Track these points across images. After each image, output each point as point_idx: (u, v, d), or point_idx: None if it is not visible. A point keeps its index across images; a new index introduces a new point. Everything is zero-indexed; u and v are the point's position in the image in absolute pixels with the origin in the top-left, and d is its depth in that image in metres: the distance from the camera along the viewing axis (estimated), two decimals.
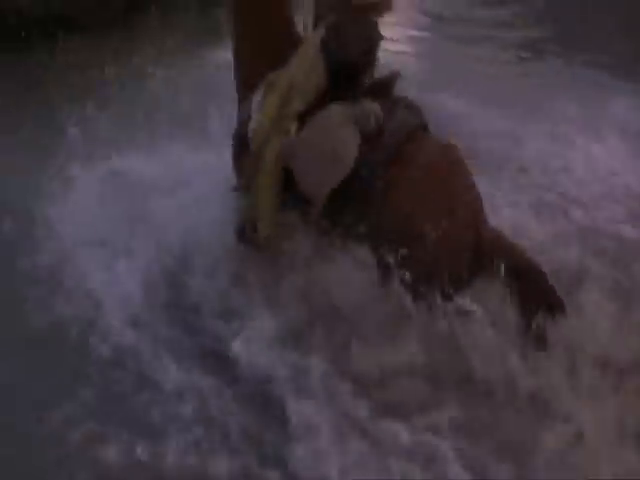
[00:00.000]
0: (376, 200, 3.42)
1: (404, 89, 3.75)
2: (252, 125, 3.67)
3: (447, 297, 3.27)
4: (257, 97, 3.71)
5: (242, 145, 3.65)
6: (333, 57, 3.54)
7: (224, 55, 4.48)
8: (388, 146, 3.48)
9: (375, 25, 3.71)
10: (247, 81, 3.84)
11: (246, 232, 3.65)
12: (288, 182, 3.54)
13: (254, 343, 3.32)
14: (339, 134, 3.47)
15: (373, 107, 3.50)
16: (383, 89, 3.66)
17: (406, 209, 3.41)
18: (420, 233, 3.32)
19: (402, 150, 3.47)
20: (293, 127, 3.56)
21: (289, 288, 3.48)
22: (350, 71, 3.57)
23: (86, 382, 3.24)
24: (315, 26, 3.74)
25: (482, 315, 3.17)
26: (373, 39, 3.67)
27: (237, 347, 3.29)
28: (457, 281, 3.38)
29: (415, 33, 8.91)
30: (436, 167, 3.47)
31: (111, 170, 4.54)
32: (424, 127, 3.64)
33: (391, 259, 3.29)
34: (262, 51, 3.82)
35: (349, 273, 3.37)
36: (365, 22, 3.71)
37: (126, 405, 3.16)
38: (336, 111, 3.52)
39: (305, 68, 3.59)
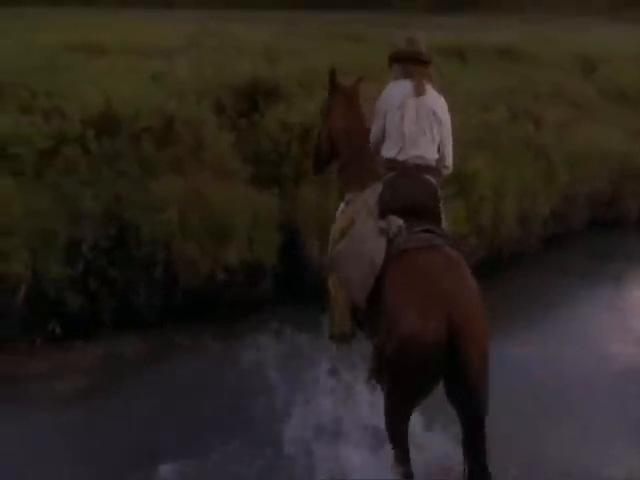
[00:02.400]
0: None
1: None
2: (332, 233, 5.25)
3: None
4: (341, 206, 5.33)
5: None
6: (385, 206, 4.73)
7: None
8: (398, 247, 4.45)
9: (429, 183, 4.81)
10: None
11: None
12: None
13: None
14: (370, 239, 4.63)
15: (398, 222, 4.56)
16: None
17: (391, 302, 4.27)
18: (396, 326, 4.12)
19: (406, 253, 4.38)
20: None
21: None
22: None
23: None
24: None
25: None
26: (425, 195, 4.79)
27: None
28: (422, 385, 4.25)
29: None
30: (431, 269, 4.28)
31: None
32: (440, 246, 4.45)
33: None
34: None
35: None
36: (418, 180, 4.80)
37: None
38: (367, 223, 4.78)
39: (365, 211, 4.87)
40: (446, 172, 5.10)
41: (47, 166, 7.67)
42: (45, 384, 6.41)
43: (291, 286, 7.86)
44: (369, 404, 5.14)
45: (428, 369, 4.14)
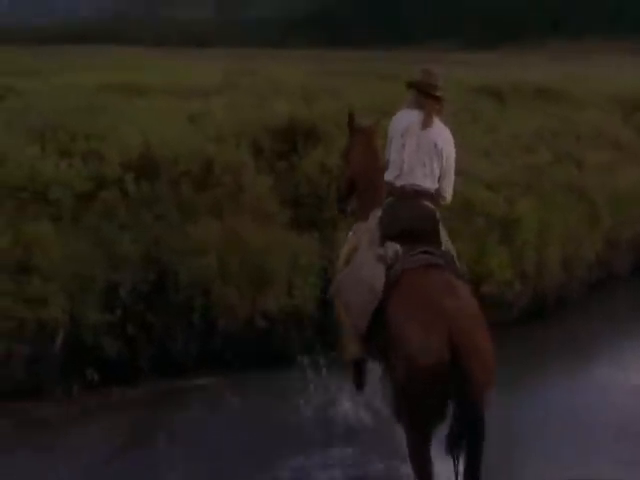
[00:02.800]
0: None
1: None
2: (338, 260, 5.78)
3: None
4: (349, 235, 5.79)
5: None
6: (384, 231, 5.07)
7: None
8: (395, 272, 4.76)
9: (426, 207, 5.11)
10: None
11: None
12: None
13: None
14: (369, 267, 4.95)
15: (395, 247, 4.89)
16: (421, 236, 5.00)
17: (394, 325, 4.51)
18: (401, 349, 4.37)
19: (404, 276, 4.69)
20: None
21: None
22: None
23: None
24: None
25: None
26: (422, 218, 5.08)
27: None
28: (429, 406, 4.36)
29: None
30: (429, 289, 4.56)
31: None
32: (438, 266, 4.77)
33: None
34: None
35: None
36: (416, 204, 5.11)
37: None
38: (367, 251, 5.14)
39: (367, 237, 5.28)
40: (443, 203, 5.38)
41: (86, 210, 7.64)
42: (82, 431, 6.36)
43: (331, 332, 7.74)
44: None
45: (435, 387, 4.27)
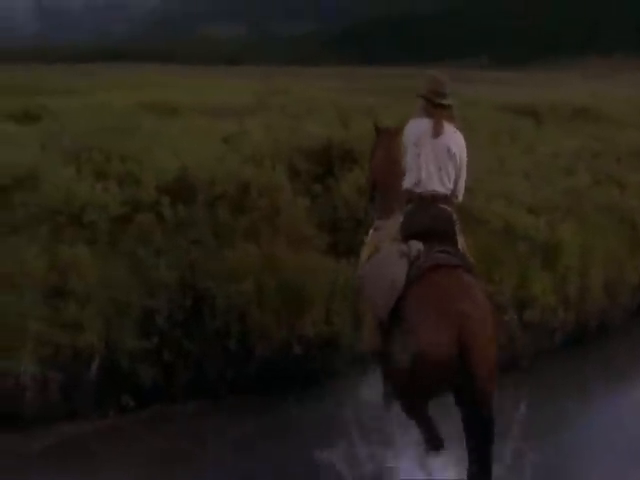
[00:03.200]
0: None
1: None
2: (361, 257, 6.02)
3: None
4: (370, 232, 6.11)
5: None
6: (406, 232, 5.41)
7: None
8: (417, 269, 5.07)
9: (444, 210, 5.46)
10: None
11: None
12: None
13: None
14: (393, 263, 5.21)
15: (418, 245, 5.22)
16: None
17: (410, 318, 4.88)
18: (413, 341, 4.72)
19: (425, 274, 5.00)
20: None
21: None
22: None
23: None
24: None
25: None
26: (440, 220, 5.43)
27: None
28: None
29: None
30: (445, 289, 4.90)
31: None
32: (457, 266, 5.13)
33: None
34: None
35: None
36: (434, 208, 5.45)
37: None
38: (391, 248, 5.42)
39: (389, 235, 5.62)
40: (456, 201, 5.73)
41: (121, 233, 7.57)
42: (118, 457, 6.28)
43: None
44: None
45: (440, 380, 4.79)
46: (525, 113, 16.13)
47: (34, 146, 10.42)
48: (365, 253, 5.94)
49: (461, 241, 5.57)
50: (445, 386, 4.88)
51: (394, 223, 5.69)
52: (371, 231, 6.14)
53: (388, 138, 6.38)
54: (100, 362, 6.74)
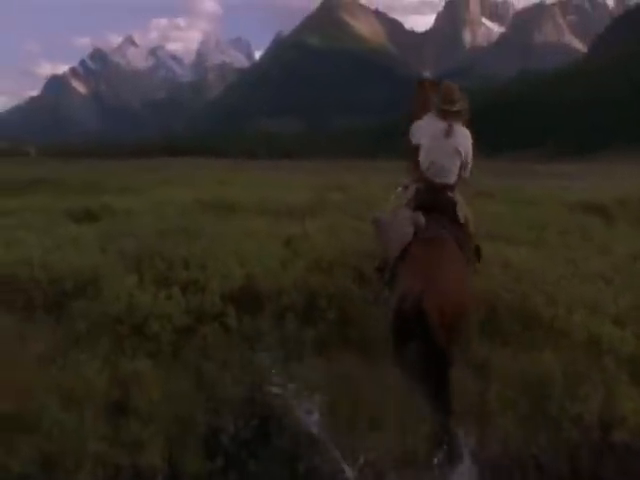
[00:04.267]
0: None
1: None
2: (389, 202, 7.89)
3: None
4: (399, 189, 7.80)
5: None
6: (417, 205, 7.19)
7: None
8: (418, 237, 6.85)
9: (447, 196, 7.32)
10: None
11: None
12: None
13: None
14: (405, 225, 6.98)
15: (421, 219, 6.95)
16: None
17: (400, 271, 6.70)
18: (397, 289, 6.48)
19: (420, 241, 6.76)
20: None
21: None
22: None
23: None
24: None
25: None
26: (443, 202, 7.26)
27: None
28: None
29: None
30: (431, 256, 6.52)
31: None
32: (447, 239, 6.81)
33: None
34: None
35: None
36: (440, 194, 7.33)
37: None
38: (405, 212, 7.19)
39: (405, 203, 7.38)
40: (465, 176, 7.55)
41: (185, 345, 7.26)
42: None
43: None
44: None
45: (413, 317, 6.06)
46: (594, 209, 15.71)
47: (95, 249, 10.31)
48: (391, 205, 7.74)
49: (463, 214, 7.30)
50: (415, 326, 6.11)
51: (410, 193, 7.50)
52: (399, 189, 7.82)
53: (424, 92, 7.91)
54: None
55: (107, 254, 9.96)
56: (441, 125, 7.13)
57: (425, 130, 7.28)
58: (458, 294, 6.34)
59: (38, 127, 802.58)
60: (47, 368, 6.81)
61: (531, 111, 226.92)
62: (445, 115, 7.11)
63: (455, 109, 7.11)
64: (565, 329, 7.68)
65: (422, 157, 7.29)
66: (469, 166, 7.47)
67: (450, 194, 7.31)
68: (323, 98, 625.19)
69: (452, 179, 7.33)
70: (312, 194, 23.33)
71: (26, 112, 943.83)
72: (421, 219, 6.93)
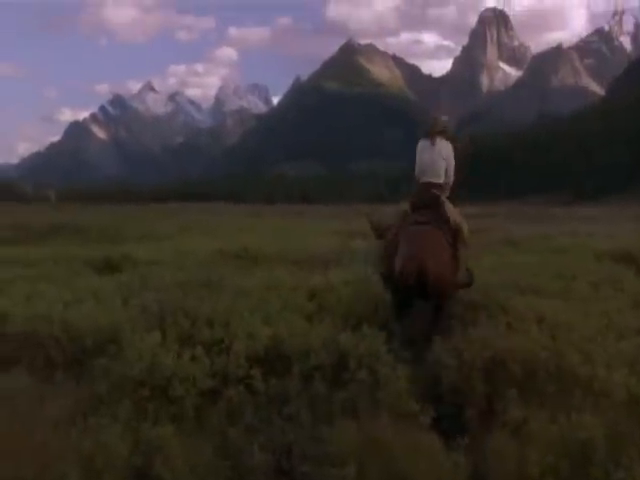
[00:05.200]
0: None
1: None
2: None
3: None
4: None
5: None
6: (411, 201, 9.70)
7: None
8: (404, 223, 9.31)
9: (433, 193, 9.59)
10: None
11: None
12: None
13: None
14: (393, 215, 9.96)
15: (405, 208, 9.68)
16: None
17: (399, 249, 8.85)
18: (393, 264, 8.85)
19: (407, 227, 9.07)
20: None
21: None
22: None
23: None
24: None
25: None
26: (430, 198, 9.51)
27: None
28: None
29: None
30: (414, 236, 8.87)
31: None
32: (427, 223, 9.11)
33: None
34: None
35: None
36: (428, 192, 9.63)
37: None
38: (392, 209, 10.37)
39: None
40: (448, 182, 9.85)
41: (209, 409, 6.98)
42: None
43: None
44: None
45: (408, 286, 8.55)
46: (622, 258, 15.39)
47: (116, 302, 10.09)
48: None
49: (448, 208, 9.40)
50: (413, 286, 8.57)
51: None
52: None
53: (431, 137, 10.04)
54: None
55: (128, 308, 9.75)
56: (429, 141, 9.82)
57: (420, 147, 9.90)
58: (437, 263, 8.67)
59: (59, 172, 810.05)
60: (66, 432, 6.52)
61: (549, 154, 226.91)
62: (432, 135, 9.83)
63: (438, 129, 9.90)
64: (605, 389, 7.34)
65: (416, 164, 9.86)
66: (450, 171, 9.81)
67: (435, 191, 9.60)
68: (341, 142, 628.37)
69: (437, 179, 9.71)
70: (333, 241, 23.14)
71: (47, 157, 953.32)
72: (405, 208, 9.60)
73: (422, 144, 9.81)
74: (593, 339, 8.38)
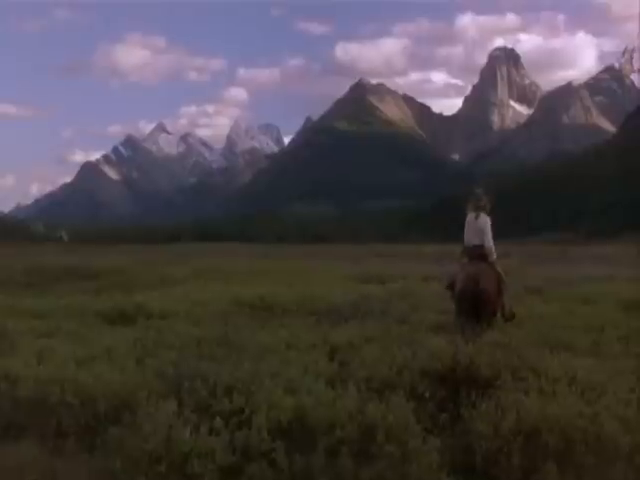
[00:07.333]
0: None
1: None
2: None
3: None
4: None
5: None
6: (466, 256, 13.44)
7: None
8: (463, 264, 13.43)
9: (480, 251, 13.04)
10: None
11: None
12: None
13: None
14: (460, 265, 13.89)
15: (465, 258, 13.55)
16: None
17: (458, 276, 12.92)
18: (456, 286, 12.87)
19: (465, 266, 13.14)
20: None
21: None
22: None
23: None
24: None
25: None
26: (478, 254, 13.05)
27: None
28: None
29: None
30: (471, 269, 12.68)
31: None
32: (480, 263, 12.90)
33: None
34: None
35: None
36: (475, 252, 13.08)
37: None
38: (454, 266, 14.86)
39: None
40: (490, 246, 12.84)
41: None
42: None
43: None
44: None
45: (467, 304, 12.23)
46: None
47: (129, 362, 9.72)
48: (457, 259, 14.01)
49: (494, 260, 12.77)
50: (469, 306, 12.15)
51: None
52: (460, 252, 13.55)
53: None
54: None
55: (143, 368, 9.37)
56: (473, 214, 13.01)
57: (467, 220, 13.07)
58: (489, 284, 12.26)
59: (72, 212, 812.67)
60: None
61: (562, 191, 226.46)
62: (474, 208, 13.03)
63: (481, 204, 13.07)
64: None
65: (464, 233, 13.07)
66: (488, 239, 12.81)
67: (482, 251, 12.78)
68: (353, 182, 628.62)
69: (481, 243, 12.80)
70: (349, 287, 22.74)
71: (60, 198, 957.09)
72: (465, 259, 13.11)
73: (469, 218, 13.04)
74: (630, 403, 7.94)
